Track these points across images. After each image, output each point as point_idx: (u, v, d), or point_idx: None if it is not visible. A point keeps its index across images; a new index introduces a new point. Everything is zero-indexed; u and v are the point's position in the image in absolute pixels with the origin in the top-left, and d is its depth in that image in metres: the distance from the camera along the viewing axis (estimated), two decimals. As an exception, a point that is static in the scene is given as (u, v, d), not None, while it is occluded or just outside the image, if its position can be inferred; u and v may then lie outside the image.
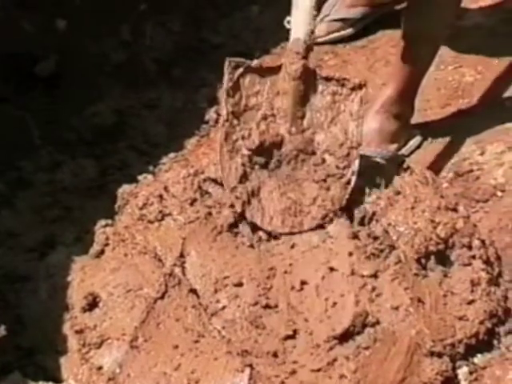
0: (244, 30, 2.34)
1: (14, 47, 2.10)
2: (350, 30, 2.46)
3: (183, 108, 2.24)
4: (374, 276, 1.64)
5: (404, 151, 2.13)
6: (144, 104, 2.25)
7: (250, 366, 1.55)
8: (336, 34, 2.46)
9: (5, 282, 1.77)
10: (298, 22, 1.79)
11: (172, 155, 2.12)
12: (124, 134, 2.20)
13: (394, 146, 2.11)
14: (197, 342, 1.60)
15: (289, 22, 2.35)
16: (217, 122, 2.21)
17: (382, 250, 1.69)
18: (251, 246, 1.74)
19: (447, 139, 2.13)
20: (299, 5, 1.80)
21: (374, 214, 1.78)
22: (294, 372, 1.54)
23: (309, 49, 1.78)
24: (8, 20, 2.00)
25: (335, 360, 1.54)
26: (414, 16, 1.99)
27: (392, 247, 1.71)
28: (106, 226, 1.82)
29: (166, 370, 1.58)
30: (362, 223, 1.77)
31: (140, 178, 1.95)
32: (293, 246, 1.74)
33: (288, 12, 2.37)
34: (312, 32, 1.78)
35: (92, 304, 1.67)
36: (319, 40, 2.39)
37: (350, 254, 1.68)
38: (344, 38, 2.46)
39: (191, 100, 2.24)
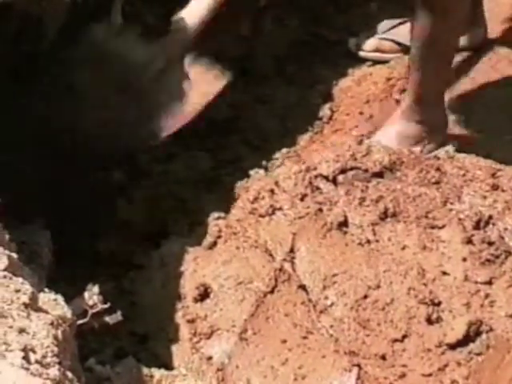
0: (362, 27, 2.31)
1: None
2: (398, 55, 2.32)
3: (297, 104, 2.23)
4: (489, 283, 1.61)
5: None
6: (258, 99, 2.26)
7: (358, 365, 1.55)
8: (384, 55, 2.35)
9: (121, 269, 1.82)
10: None
11: (284, 151, 2.13)
12: (237, 128, 2.22)
13: (416, 149, 2.03)
14: (305, 338, 1.61)
15: (356, 46, 2.33)
16: (330, 118, 2.21)
17: (497, 256, 1.66)
18: (360, 244, 1.74)
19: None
20: None
21: (490, 217, 1.74)
22: (403, 375, 1.53)
23: None
24: (133, 14, 2.04)
25: (446, 365, 1.52)
26: (422, 23, 1.91)
27: (508, 253, 1.67)
28: (219, 218, 1.85)
29: (273, 364, 1.59)
30: (476, 227, 1.73)
31: (252, 172, 1.96)
32: (404, 248, 1.72)
33: (405, 10, 2.36)
34: None
35: (203, 294, 1.70)
36: (362, 54, 2.33)
37: (464, 259, 1.65)
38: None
39: (305, 96, 2.24)
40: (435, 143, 2.03)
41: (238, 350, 1.61)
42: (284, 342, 1.62)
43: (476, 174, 1.83)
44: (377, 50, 2.35)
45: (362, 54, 2.34)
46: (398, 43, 2.32)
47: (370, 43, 2.34)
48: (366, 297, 1.65)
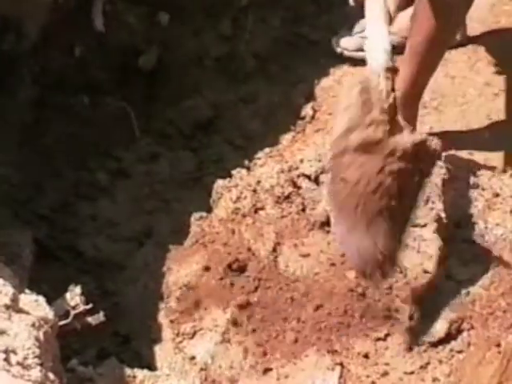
0: (343, 27, 2.32)
1: (119, 40, 2.14)
2: None
3: (279, 103, 2.23)
4: (470, 281, 1.62)
5: None
6: (241, 98, 2.26)
7: (341, 364, 1.55)
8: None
9: (103, 269, 1.82)
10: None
11: (267, 150, 2.13)
12: (220, 128, 2.21)
13: None
14: (288, 337, 1.61)
15: (336, 43, 2.33)
16: (313, 118, 2.21)
17: (478, 255, 1.67)
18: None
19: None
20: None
21: (471, 216, 1.75)
22: (385, 373, 1.54)
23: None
24: (114, 13, 2.04)
25: (428, 363, 1.53)
26: (424, 20, 1.92)
27: (489, 251, 1.68)
28: (202, 218, 1.85)
29: (256, 364, 1.59)
30: (458, 226, 1.74)
31: (234, 172, 1.97)
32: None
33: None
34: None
35: (186, 295, 1.70)
36: (346, 53, 2.34)
37: (445, 257, 1.66)
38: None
39: (288, 95, 2.24)
40: None
41: (221, 350, 1.61)
42: (267, 341, 1.62)
43: (457, 172, 1.84)
44: (360, 49, 2.36)
45: (346, 53, 2.34)
46: None
47: (352, 42, 2.34)
48: (348, 295, 1.65)
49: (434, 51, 1.94)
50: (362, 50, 2.33)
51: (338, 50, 2.35)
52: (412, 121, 2.07)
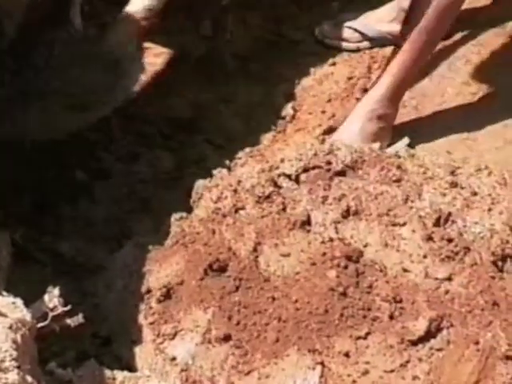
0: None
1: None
2: (366, 44, 2.39)
3: (260, 103, 2.24)
4: (449, 279, 1.63)
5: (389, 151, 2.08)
6: (221, 98, 2.26)
7: (322, 363, 1.56)
8: (349, 44, 2.40)
9: (82, 271, 1.81)
10: None
11: (247, 150, 2.13)
12: (200, 127, 2.22)
13: (376, 145, 2.07)
14: (269, 337, 1.61)
15: (320, 33, 2.36)
16: (293, 117, 2.22)
17: (456, 253, 1.67)
18: (323, 242, 1.74)
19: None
20: None
21: (449, 214, 1.76)
22: (366, 372, 1.54)
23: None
24: (93, 14, 2.04)
25: (408, 361, 1.53)
26: (414, 15, 1.97)
27: (467, 249, 1.69)
28: (182, 218, 1.85)
29: (237, 364, 1.59)
30: (436, 224, 1.75)
31: (215, 172, 1.97)
32: (366, 246, 1.73)
33: (368, 10, 2.38)
34: None
35: (166, 295, 1.69)
36: (327, 42, 2.37)
37: (424, 256, 1.66)
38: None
39: (268, 95, 2.25)
40: (389, 138, 2.08)
41: (201, 351, 1.61)
42: (248, 341, 1.62)
43: (436, 171, 1.85)
44: (342, 39, 2.39)
45: (327, 41, 2.36)
46: (361, 33, 2.37)
47: (335, 32, 2.37)
48: (329, 294, 1.66)
49: (422, 50, 1.97)
50: (345, 39, 2.37)
51: (321, 38, 2.38)
52: (391, 118, 2.11)
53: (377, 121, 2.08)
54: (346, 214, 1.78)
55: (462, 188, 1.82)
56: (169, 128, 2.20)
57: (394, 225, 1.75)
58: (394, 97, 2.08)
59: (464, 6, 2.15)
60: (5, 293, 1.30)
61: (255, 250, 1.74)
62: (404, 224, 1.74)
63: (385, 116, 2.09)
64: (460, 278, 1.63)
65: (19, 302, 1.28)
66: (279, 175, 1.87)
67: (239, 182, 1.87)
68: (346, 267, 1.66)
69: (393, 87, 2.06)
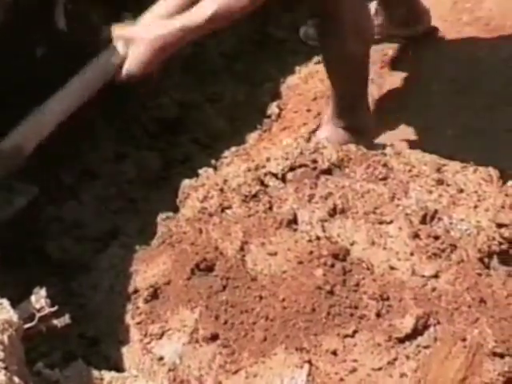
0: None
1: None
2: None
3: (245, 102, 2.25)
4: (435, 276, 1.63)
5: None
6: (207, 98, 2.26)
7: (309, 362, 1.56)
8: None
9: (69, 271, 1.81)
10: None
11: (233, 149, 2.13)
12: (187, 127, 2.22)
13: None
14: (257, 336, 1.61)
15: (304, 34, 2.36)
16: (279, 116, 2.22)
17: (443, 250, 1.68)
18: (310, 240, 1.75)
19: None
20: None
21: (435, 212, 1.76)
22: (354, 370, 1.54)
23: None
24: (77, 13, 2.03)
25: (396, 359, 1.54)
26: (326, 35, 1.96)
27: (454, 246, 1.69)
28: (168, 218, 1.85)
29: (225, 363, 1.59)
30: (423, 222, 1.75)
31: (201, 171, 1.96)
32: (352, 244, 1.74)
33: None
34: None
35: (153, 295, 1.69)
36: (311, 43, 2.37)
37: (411, 253, 1.67)
38: None
39: (254, 94, 2.25)
40: (370, 131, 2.09)
41: (189, 350, 1.61)
42: (235, 340, 1.62)
43: (422, 169, 1.85)
44: None
45: (310, 42, 2.37)
46: None
47: None
48: (316, 293, 1.66)
49: (345, 67, 2.00)
50: None
51: (304, 39, 2.38)
52: (363, 127, 2.09)
53: (344, 132, 2.07)
54: (333, 212, 1.79)
55: (448, 185, 1.82)
56: (155, 128, 2.20)
57: (381, 223, 1.76)
58: (346, 112, 2.06)
59: (449, 8, 2.17)
60: (-9, 294, 1.30)
61: (242, 249, 1.74)
62: (390, 222, 1.75)
63: (350, 127, 2.07)
64: (447, 275, 1.64)
65: (6, 302, 1.27)
66: (265, 174, 1.87)
67: (225, 181, 1.87)
68: (332, 265, 1.66)
69: (336, 107, 2.04)
